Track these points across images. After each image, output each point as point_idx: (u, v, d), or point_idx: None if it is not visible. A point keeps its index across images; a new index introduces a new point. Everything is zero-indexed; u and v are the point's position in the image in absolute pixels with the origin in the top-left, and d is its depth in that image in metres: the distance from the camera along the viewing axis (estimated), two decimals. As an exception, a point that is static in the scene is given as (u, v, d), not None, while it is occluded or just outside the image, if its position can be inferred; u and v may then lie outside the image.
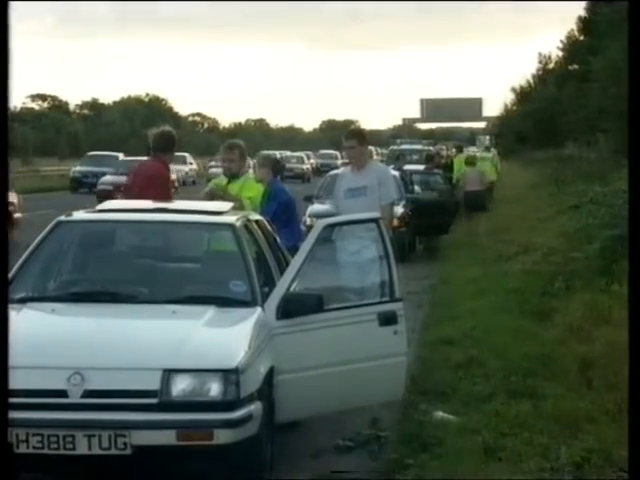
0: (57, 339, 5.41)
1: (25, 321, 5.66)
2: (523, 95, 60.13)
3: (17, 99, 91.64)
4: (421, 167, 22.57)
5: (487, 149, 33.08)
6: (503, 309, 10.67)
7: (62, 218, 6.54)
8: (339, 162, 52.76)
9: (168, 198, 7.84)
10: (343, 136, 9.06)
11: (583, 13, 44.82)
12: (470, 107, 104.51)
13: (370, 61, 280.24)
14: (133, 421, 5.01)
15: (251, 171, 10.03)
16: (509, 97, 65.39)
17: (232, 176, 8.37)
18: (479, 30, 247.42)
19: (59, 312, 5.83)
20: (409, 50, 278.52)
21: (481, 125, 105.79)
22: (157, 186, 7.96)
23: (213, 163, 42.33)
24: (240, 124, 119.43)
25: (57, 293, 6.10)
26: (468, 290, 12.50)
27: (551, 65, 55.43)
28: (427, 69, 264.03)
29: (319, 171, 51.69)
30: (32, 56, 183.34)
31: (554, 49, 53.47)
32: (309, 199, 17.14)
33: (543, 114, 47.63)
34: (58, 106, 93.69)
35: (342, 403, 6.24)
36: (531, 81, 59.79)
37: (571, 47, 47.32)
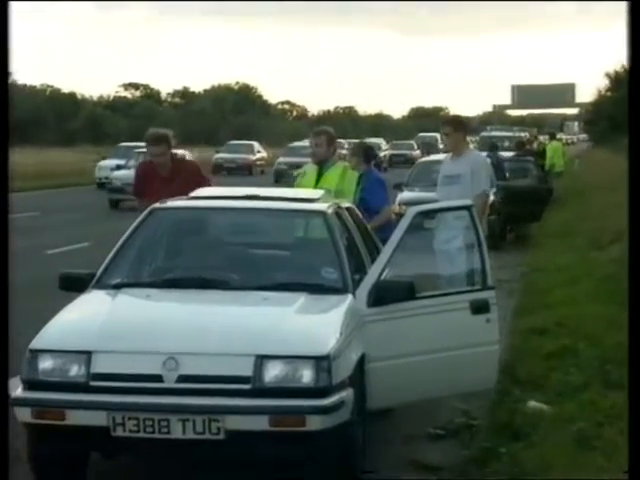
0: (152, 324, 5.49)
1: (121, 307, 5.77)
2: (617, 80, 58.95)
3: (110, 87, 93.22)
4: (512, 154, 22.37)
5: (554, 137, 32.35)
6: (597, 297, 10.50)
7: (156, 205, 6.63)
8: (415, 153, 51.05)
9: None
10: (440, 122, 9.06)
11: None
12: (562, 93, 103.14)
13: (460, 47, 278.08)
14: (227, 406, 5.06)
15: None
16: (603, 82, 64.23)
17: (320, 162, 8.29)
18: (572, 15, 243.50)
19: (154, 298, 5.90)
20: (500, 36, 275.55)
21: (573, 111, 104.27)
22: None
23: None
24: (329, 111, 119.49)
25: (151, 279, 6.18)
26: (560, 278, 12.33)
27: (646, 49, 54.15)
28: (519, 55, 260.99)
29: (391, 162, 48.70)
30: (126, 45, 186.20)
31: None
32: (399, 187, 17.10)
33: (638, 99, 46.59)
34: (150, 95, 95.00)
35: (433, 391, 6.22)
36: (626, 66, 58.62)
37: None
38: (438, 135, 57.49)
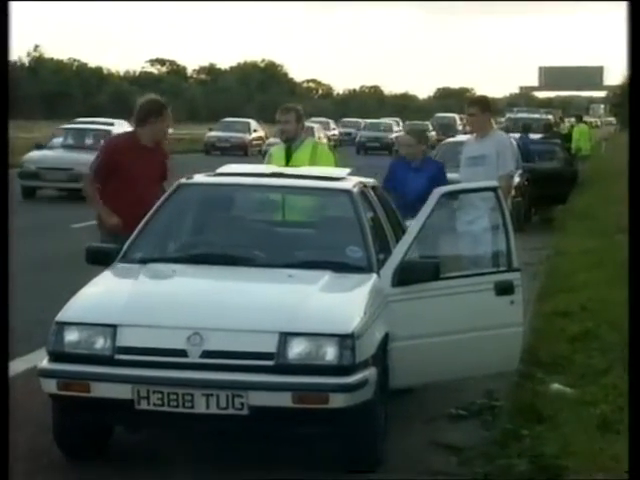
0: (178, 300, 5.51)
1: (147, 281, 5.80)
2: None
3: (137, 63, 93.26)
4: (539, 136, 22.31)
5: (580, 119, 31.92)
6: (621, 281, 10.44)
7: (183, 181, 6.65)
8: (430, 134, 49.36)
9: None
10: (466, 103, 9.04)
11: None
12: (590, 75, 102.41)
13: (487, 27, 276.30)
14: (250, 382, 5.08)
15: (315, 137, 9.64)
16: (631, 65, 63.53)
17: (288, 140, 7.81)
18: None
19: (179, 273, 5.93)
20: (529, 16, 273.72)
21: (601, 94, 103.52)
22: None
23: None
24: (354, 90, 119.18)
25: (177, 254, 6.21)
26: (584, 261, 12.30)
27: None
28: (547, 36, 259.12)
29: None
30: (153, 20, 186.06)
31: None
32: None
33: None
34: (176, 71, 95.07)
35: (456, 372, 6.23)
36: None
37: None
38: (457, 116, 57.03)
